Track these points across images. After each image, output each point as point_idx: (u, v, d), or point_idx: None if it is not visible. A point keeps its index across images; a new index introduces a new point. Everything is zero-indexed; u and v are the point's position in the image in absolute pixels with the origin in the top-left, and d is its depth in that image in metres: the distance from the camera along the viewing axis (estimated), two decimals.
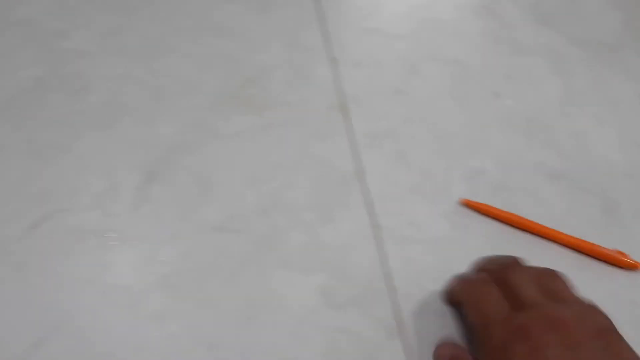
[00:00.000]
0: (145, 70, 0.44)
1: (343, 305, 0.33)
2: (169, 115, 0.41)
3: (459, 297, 0.29)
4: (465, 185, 0.39)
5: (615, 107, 0.44)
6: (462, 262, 0.34)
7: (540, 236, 0.36)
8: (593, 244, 0.35)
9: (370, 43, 0.47)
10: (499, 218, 0.37)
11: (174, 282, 0.33)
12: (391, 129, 0.42)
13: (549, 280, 0.26)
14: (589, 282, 0.32)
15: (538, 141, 0.41)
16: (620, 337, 0.23)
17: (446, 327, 0.32)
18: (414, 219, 0.37)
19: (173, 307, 0.33)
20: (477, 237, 0.36)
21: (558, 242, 0.36)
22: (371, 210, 0.37)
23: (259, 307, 0.33)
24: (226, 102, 0.42)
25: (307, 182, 0.38)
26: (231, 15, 0.49)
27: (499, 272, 0.27)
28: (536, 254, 0.34)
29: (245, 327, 0.32)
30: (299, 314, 0.33)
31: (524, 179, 0.39)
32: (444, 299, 0.32)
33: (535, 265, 0.28)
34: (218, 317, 0.32)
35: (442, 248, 0.36)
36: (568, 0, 0.52)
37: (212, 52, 0.45)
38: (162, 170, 0.38)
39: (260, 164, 0.39)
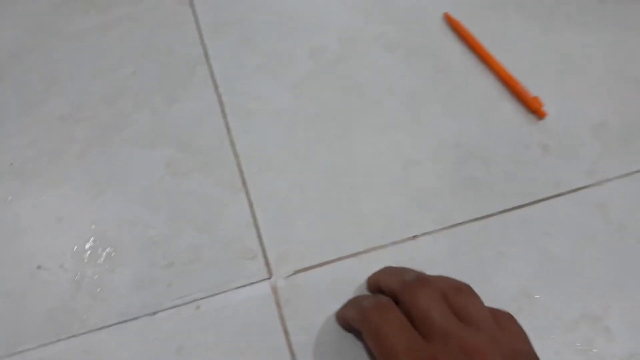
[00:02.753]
0: None
1: (189, 173, 0.35)
2: (7, 21, 0.41)
3: (355, 326, 0.25)
4: (309, 61, 0.41)
5: None
6: (304, 130, 0.37)
7: (478, 56, 0.42)
8: (518, 82, 0.40)
9: None
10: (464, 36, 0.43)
11: (18, 168, 0.34)
12: (238, 17, 0.43)
13: (459, 297, 0.23)
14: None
15: (377, 16, 0.44)
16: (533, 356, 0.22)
17: (287, 180, 0.35)
18: (259, 94, 0.39)
19: (20, 189, 0.34)
20: (321, 104, 0.39)
21: (491, 67, 0.41)
22: (217, 90, 0.39)
23: (106, 183, 0.34)
24: (68, 3, 0.42)
25: (153, 70, 0.39)
26: None
27: (402, 293, 0.23)
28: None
29: (94, 201, 0.33)
30: (146, 184, 0.34)
31: (363, 51, 0.42)
32: (339, 323, 0.28)
33: (439, 277, 0.25)
34: (66, 194, 0.34)
35: (286, 117, 0.38)
36: None
37: None
38: (4, 72, 0.38)
39: (105, 57, 0.40)
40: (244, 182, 0.35)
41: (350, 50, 0.42)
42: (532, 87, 0.40)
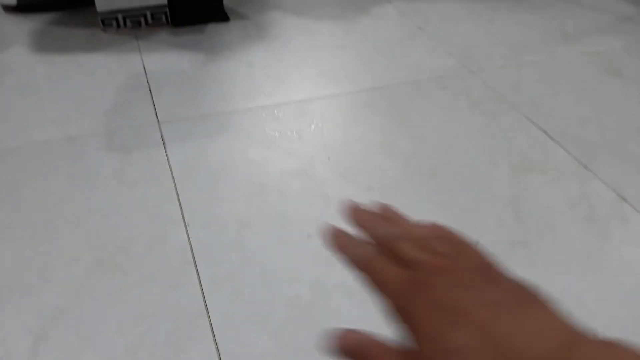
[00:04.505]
0: (33, 252, 0.56)
1: None
2: (49, 286, 0.53)
3: (356, 267, 0.25)
4: (285, 309, 0.53)
5: None
6: None
7: None
8: None
9: (215, 208, 0.63)
10: None
11: None
12: (231, 272, 0.56)
13: (433, 243, 0.25)
14: None
15: (340, 267, 0.57)
16: (496, 267, 0.24)
17: None
18: (246, 343, 0.50)
19: None
20: (295, 348, 0.50)
21: None
22: (215, 340, 0.50)
23: None
24: (99, 269, 0.55)
25: (164, 325, 0.50)
26: (103, 199, 0.63)
27: (386, 243, 0.25)
28: None
29: None
30: None
31: (330, 300, 0.54)
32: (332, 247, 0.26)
33: (421, 227, 0.27)
34: None
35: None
36: (360, 158, 0.72)
37: (88, 230, 0.58)
38: (49, 331, 0.49)
39: (127, 315, 0.51)
40: None
41: (317, 298, 0.54)
42: None
